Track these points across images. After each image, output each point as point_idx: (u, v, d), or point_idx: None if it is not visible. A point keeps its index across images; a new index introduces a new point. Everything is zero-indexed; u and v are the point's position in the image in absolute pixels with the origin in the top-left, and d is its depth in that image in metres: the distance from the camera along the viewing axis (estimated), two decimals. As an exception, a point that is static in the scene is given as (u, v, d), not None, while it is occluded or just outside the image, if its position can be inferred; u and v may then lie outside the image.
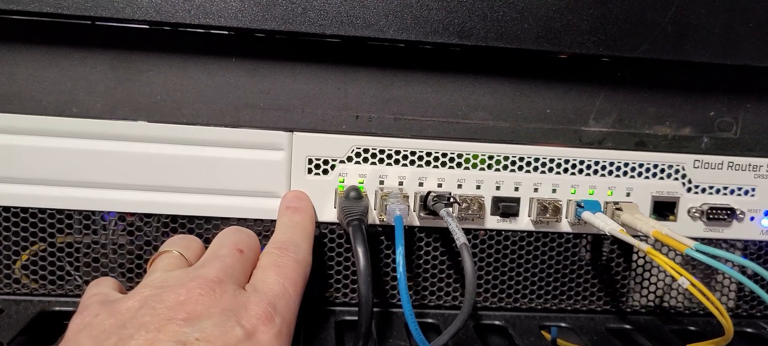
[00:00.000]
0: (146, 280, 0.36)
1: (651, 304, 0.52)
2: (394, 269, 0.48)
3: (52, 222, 0.45)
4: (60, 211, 0.45)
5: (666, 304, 0.52)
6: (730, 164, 0.49)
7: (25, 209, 0.45)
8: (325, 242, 0.48)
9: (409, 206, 0.46)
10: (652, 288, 0.52)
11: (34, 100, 0.44)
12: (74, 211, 0.45)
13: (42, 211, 0.45)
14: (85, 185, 0.44)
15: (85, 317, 0.34)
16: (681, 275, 0.38)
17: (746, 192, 0.50)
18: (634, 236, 0.43)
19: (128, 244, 0.46)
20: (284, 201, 0.45)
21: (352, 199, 0.44)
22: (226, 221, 0.46)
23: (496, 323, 0.49)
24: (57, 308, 0.46)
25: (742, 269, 0.50)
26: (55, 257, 0.46)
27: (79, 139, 0.44)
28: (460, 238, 0.40)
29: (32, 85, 0.43)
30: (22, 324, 0.43)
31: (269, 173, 0.45)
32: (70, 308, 0.45)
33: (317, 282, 0.48)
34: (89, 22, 0.42)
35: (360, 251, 0.39)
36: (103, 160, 0.44)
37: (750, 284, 0.39)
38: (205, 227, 0.46)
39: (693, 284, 0.37)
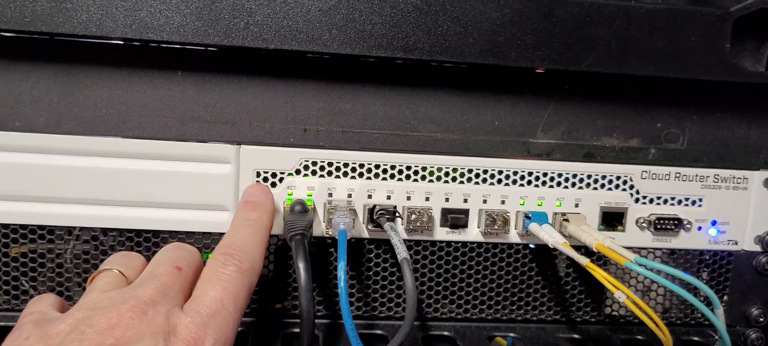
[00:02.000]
0: (81, 301, 0.36)
1: (600, 315, 0.52)
2: (344, 281, 0.48)
3: (-3, 236, 0.45)
4: (5, 225, 0.45)
5: (616, 314, 0.52)
6: (678, 175, 0.50)
7: (-32, 224, 0.45)
8: (278, 254, 0.48)
9: (358, 218, 0.46)
10: (601, 298, 0.52)
11: (-24, 114, 0.43)
12: (19, 225, 0.45)
13: (-14, 225, 0.45)
14: (29, 200, 0.44)
15: (15, 339, 0.34)
16: (618, 289, 0.38)
17: (693, 202, 0.50)
18: (579, 248, 0.44)
19: (74, 258, 0.46)
20: (244, 194, 0.45)
21: (297, 213, 0.44)
22: (175, 235, 0.46)
23: (445, 333, 0.49)
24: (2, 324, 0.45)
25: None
26: (1, 271, 0.46)
27: (22, 153, 0.43)
28: (401, 252, 0.40)
29: (-26, 99, 0.43)
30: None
31: (217, 187, 0.45)
32: (12, 324, 0.44)
33: (268, 294, 0.48)
34: (29, 36, 0.42)
35: (301, 266, 0.39)
36: (47, 175, 0.44)
37: (687, 295, 0.40)
38: (153, 241, 0.46)
39: (629, 298, 0.38)
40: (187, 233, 0.46)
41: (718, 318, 0.41)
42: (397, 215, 0.45)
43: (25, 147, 0.43)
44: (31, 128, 0.44)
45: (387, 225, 0.43)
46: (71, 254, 0.46)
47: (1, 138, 0.43)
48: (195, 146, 0.45)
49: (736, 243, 0.51)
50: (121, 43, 0.43)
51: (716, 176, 0.50)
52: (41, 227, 0.45)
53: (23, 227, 0.45)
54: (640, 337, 0.51)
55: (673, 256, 0.52)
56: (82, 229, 0.45)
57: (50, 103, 0.44)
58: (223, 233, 0.45)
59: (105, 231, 0.46)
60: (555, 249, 0.44)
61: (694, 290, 0.49)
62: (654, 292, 0.53)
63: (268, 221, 0.43)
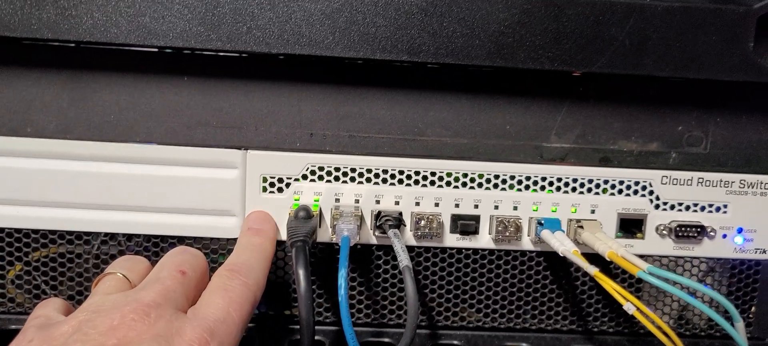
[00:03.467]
0: (85, 304, 0.36)
1: (619, 326, 0.50)
2: (352, 289, 0.48)
3: (10, 241, 0.46)
4: (17, 230, 0.46)
5: (636, 325, 0.50)
6: (700, 180, 0.47)
7: (-18, 228, 0.46)
8: (286, 260, 0.47)
9: (366, 224, 0.46)
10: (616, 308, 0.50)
11: (-11, 120, 0.44)
12: (31, 229, 0.46)
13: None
14: (38, 204, 0.44)
15: (20, 342, 0.34)
16: (627, 300, 0.37)
17: (718, 209, 0.48)
18: (595, 256, 0.42)
19: (85, 263, 0.46)
20: (246, 222, 0.45)
21: (301, 219, 0.43)
22: (182, 240, 0.46)
23: (455, 343, 0.48)
24: (13, 327, 0.46)
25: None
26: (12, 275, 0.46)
27: (32, 158, 0.44)
28: (402, 260, 0.39)
29: (-13, 105, 0.44)
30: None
31: (223, 192, 0.45)
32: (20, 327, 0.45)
33: (276, 301, 0.48)
34: (36, 43, 0.42)
35: (301, 274, 0.39)
36: (56, 180, 0.44)
37: (704, 308, 0.38)
38: (161, 246, 0.46)
39: (639, 309, 0.36)
40: (194, 238, 0.46)
41: (739, 332, 0.39)
42: (402, 222, 0.45)
43: (35, 152, 0.44)
44: (42, 134, 0.44)
45: (390, 232, 0.42)
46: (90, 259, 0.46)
47: (12, 144, 0.44)
48: (202, 151, 0.45)
49: (764, 252, 0.49)
50: (127, 49, 0.43)
51: (742, 182, 0.48)
52: (52, 232, 0.46)
53: (35, 231, 0.46)
54: (660, 349, 0.49)
55: (711, 272, 0.50)
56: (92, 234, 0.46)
57: (60, 109, 0.44)
58: (229, 239, 0.45)
59: (111, 236, 0.46)
60: (565, 257, 0.43)
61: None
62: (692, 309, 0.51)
63: (271, 248, 0.43)
